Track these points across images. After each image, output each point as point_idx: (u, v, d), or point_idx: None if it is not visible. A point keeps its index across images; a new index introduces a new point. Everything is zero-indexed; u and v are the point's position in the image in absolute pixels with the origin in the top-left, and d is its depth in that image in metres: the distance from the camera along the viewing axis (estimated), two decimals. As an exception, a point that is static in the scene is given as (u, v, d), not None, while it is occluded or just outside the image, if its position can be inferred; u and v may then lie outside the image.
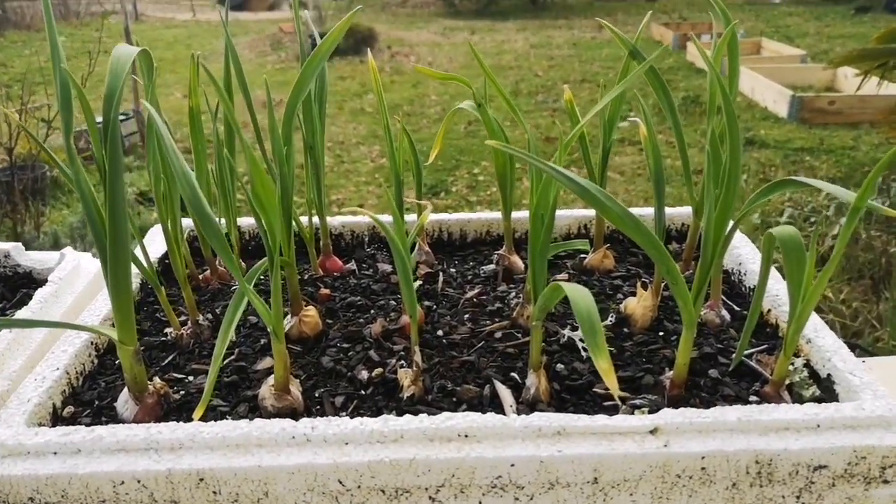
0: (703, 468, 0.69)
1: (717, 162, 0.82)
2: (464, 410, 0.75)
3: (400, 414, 0.72)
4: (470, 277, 1.07)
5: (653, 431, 0.70)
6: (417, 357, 0.78)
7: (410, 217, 1.09)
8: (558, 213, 1.16)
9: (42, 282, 1.08)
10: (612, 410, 0.76)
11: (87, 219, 0.70)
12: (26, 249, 1.14)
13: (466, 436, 0.70)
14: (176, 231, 0.91)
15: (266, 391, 0.77)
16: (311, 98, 0.96)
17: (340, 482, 0.69)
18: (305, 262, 1.10)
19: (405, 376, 0.80)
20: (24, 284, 1.11)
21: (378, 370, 0.83)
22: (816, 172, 4.88)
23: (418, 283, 1.01)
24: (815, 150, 5.31)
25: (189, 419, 0.73)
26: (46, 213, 4.39)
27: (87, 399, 0.82)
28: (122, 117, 4.97)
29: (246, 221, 1.17)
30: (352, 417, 0.72)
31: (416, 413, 0.72)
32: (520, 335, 0.90)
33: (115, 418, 0.78)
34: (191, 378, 0.85)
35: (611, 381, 0.61)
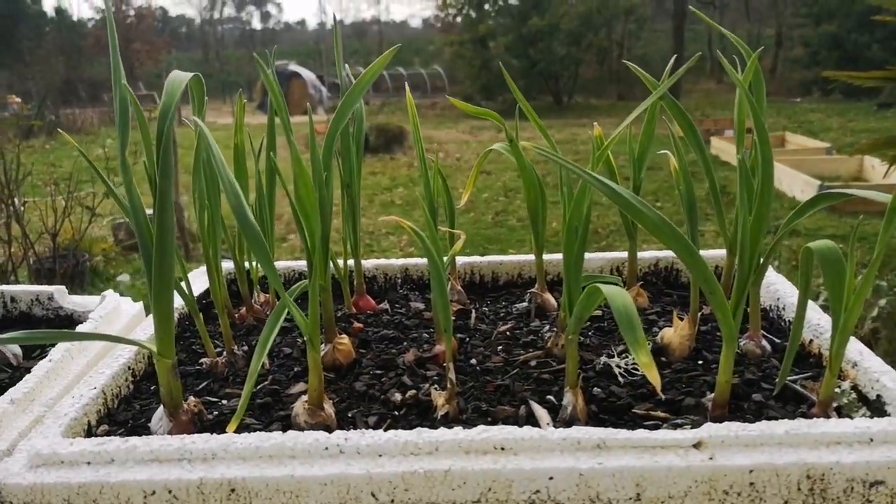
0: (751, 483, 0.66)
1: (749, 185, 0.83)
2: (500, 428, 0.73)
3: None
4: (502, 315, 1.06)
5: (696, 445, 0.68)
6: (452, 374, 0.77)
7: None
8: (591, 255, 1.17)
9: (80, 324, 1.10)
10: (653, 430, 0.74)
11: (136, 230, 0.73)
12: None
13: (503, 448, 0.68)
14: (217, 261, 0.93)
15: (300, 407, 0.76)
16: (349, 137, 1.00)
17: (373, 495, 0.67)
18: (339, 302, 1.11)
19: (439, 396, 0.79)
20: (65, 327, 1.13)
21: (411, 392, 0.82)
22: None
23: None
24: (848, 237, 5.28)
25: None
26: (84, 297, 4.48)
27: (121, 419, 0.82)
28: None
29: (281, 264, 1.20)
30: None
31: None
32: (555, 363, 0.89)
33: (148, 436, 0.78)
34: (224, 401, 0.84)
35: (653, 375, 0.59)
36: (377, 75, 0.86)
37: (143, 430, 0.80)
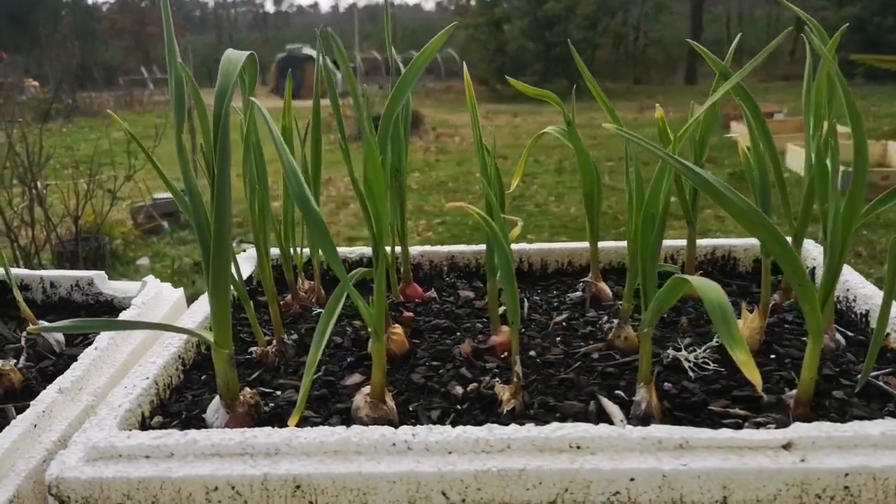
0: (846, 487, 0.62)
1: (824, 172, 0.78)
2: (571, 425, 0.70)
3: (502, 427, 0.68)
4: (556, 304, 1.03)
5: (786, 446, 0.64)
6: (518, 368, 0.74)
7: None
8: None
9: (123, 311, 1.07)
10: (735, 429, 0.70)
11: (193, 216, 0.70)
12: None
13: (578, 447, 0.65)
14: (267, 247, 0.90)
15: (361, 400, 0.73)
16: (398, 120, 0.96)
17: (444, 494, 0.64)
18: (386, 290, 1.07)
19: (503, 391, 0.75)
20: (105, 313, 1.11)
21: (473, 385, 0.78)
22: (875, 246, 4.75)
23: (502, 308, 0.98)
24: (872, 224, 5.16)
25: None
26: (105, 281, 4.48)
27: (174, 410, 0.79)
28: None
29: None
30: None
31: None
32: (618, 356, 0.85)
33: (204, 428, 0.75)
34: (279, 392, 0.82)
35: (753, 374, 0.56)
36: (432, 56, 0.83)
37: (197, 421, 0.77)
